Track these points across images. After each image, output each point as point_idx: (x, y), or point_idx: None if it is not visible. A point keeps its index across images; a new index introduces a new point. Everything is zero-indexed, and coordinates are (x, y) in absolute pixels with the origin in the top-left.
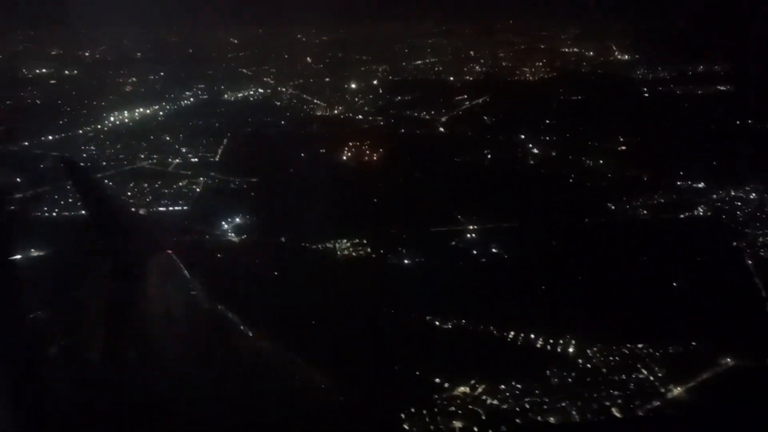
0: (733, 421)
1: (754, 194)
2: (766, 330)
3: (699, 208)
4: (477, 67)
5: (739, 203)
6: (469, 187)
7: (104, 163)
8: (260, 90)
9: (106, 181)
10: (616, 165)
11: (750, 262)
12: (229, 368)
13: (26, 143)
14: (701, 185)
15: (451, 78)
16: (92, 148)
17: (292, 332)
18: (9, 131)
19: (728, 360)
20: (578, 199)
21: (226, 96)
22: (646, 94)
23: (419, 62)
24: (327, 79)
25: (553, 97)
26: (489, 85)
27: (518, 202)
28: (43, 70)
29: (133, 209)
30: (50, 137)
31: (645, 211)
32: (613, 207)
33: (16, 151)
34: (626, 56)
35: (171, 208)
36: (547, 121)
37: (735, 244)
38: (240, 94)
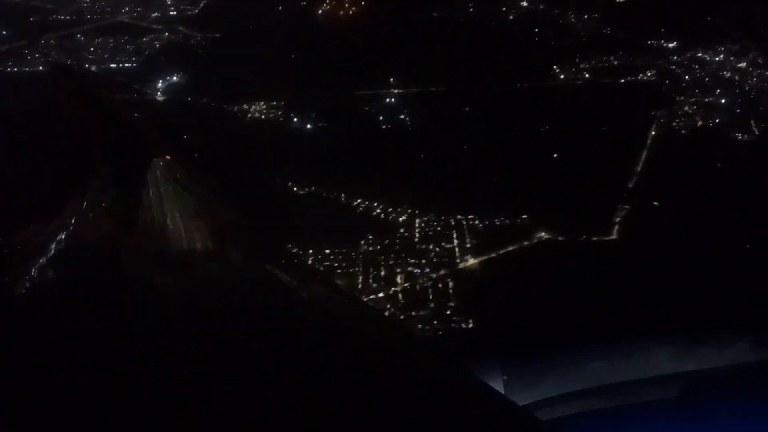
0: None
1: (721, 56)
2: (611, 204)
3: (648, 72)
4: None
5: (696, 66)
6: (423, 46)
7: (88, 17)
8: None
9: (78, 36)
10: (599, 21)
11: (653, 133)
12: None
13: None
14: (673, 45)
15: None
16: (86, 1)
17: None
18: None
19: (543, 234)
20: (528, 60)
21: None
22: None
23: None
24: None
25: None
26: None
27: (463, 64)
28: None
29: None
30: None
31: (588, 75)
32: (557, 69)
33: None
34: None
35: (121, 65)
36: None
37: (653, 112)
38: None
